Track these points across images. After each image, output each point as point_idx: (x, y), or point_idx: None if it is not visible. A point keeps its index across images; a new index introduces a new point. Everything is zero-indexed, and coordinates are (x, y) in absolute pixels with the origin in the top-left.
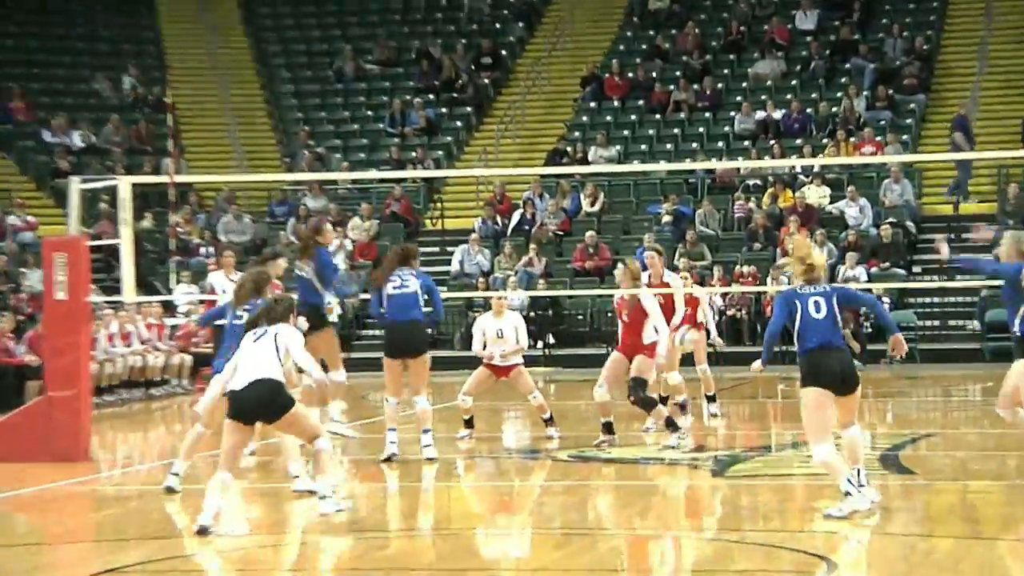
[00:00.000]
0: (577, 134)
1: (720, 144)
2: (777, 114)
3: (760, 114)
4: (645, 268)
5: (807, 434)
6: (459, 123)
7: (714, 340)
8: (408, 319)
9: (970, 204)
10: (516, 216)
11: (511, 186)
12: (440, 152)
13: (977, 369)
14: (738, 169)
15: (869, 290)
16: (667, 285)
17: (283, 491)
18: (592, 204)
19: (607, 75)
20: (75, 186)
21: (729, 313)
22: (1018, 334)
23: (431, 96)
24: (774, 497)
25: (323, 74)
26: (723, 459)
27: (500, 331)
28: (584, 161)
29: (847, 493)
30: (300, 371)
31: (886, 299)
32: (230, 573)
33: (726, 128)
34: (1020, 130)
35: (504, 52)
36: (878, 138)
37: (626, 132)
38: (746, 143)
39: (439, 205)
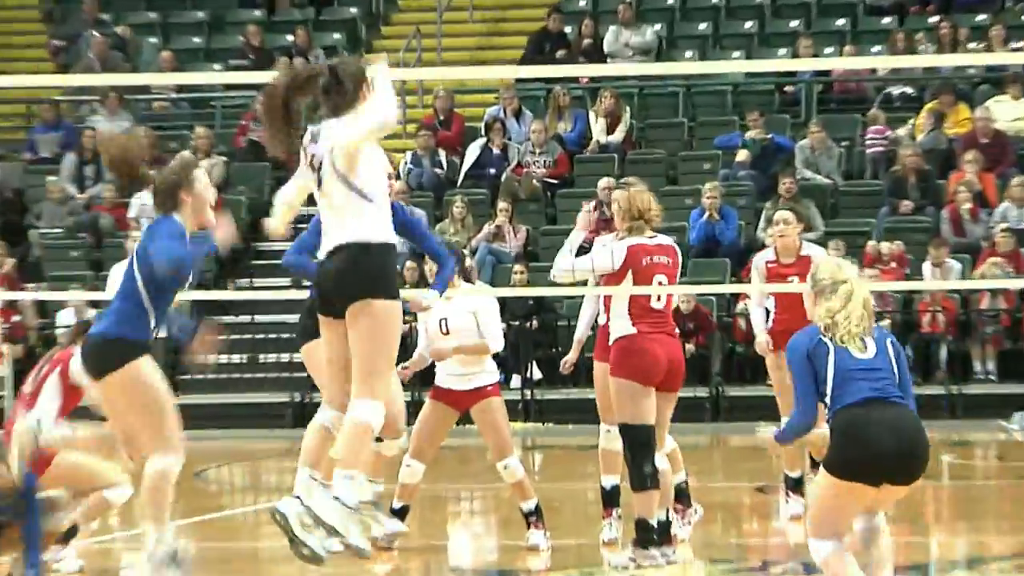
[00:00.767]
0: (584, 3)
1: (840, 23)
2: None
3: None
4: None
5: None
6: None
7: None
8: None
9: None
10: (474, 150)
11: (465, 98)
12: (337, 35)
13: None
14: (873, 70)
15: None
16: (808, 264)
17: None
18: (611, 130)
19: None
20: None
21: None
22: None
23: None
24: None
25: None
26: None
27: (444, 321)
28: (598, 54)
29: None
30: None
31: None
32: None
33: None
34: None
35: None
36: None
37: (671, 1)
38: (886, 20)
39: None
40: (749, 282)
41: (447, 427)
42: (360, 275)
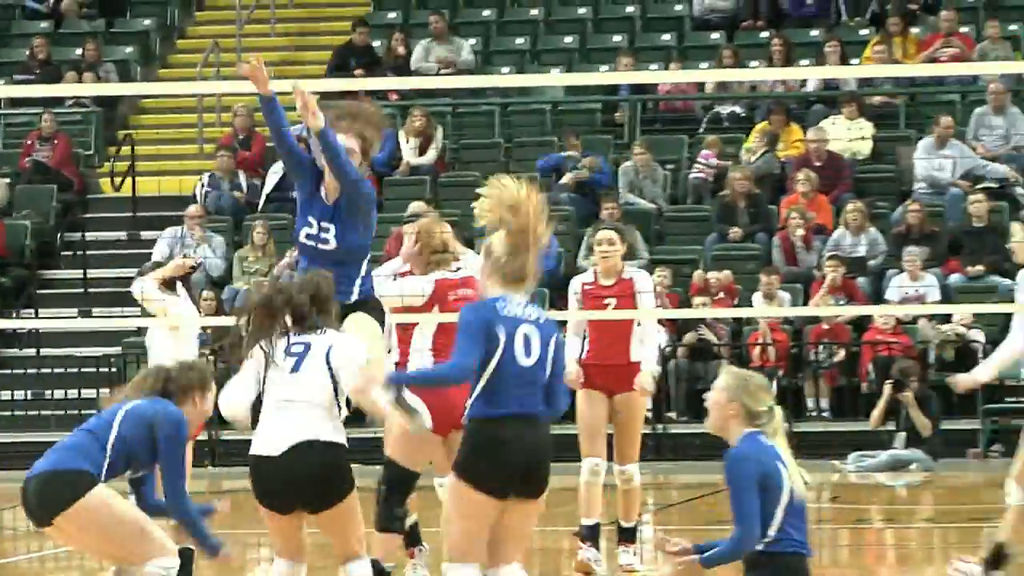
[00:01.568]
0: (393, 16)
1: (666, 38)
2: None
3: None
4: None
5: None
6: None
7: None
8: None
9: None
10: (276, 172)
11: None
12: (130, 49)
13: None
14: (700, 86)
15: (948, 318)
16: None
17: None
18: (422, 151)
19: None
20: None
21: (677, 360)
22: None
23: None
24: None
25: None
26: None
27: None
28: (407, 67)
29: None
30: None
31: (979, 332)
32: None
33: (678, 7)
34: None
35: None
36: (964, 29)
37: (487, 13)
38: (715, 36)
39: (128, 151)
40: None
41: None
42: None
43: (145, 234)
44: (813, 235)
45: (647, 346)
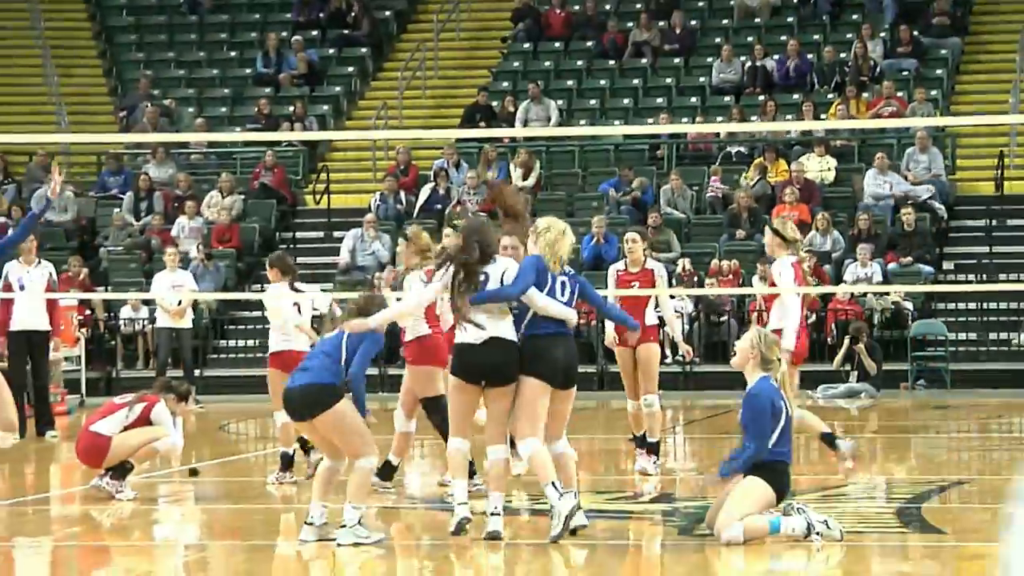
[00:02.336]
0: (505, 85)
1: (693, 100)
2: (768, 61)
3: (746, 61)
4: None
5: (521, 426)
6: (351, 69)
7: (682, 352)
8: None
9: (1017, 182)
10: (425, 191)
11: (419, 152)
12: (326, 107)
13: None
14: (716, 133)
15: (887, 293)
16: (650, 274)
17: None
18: (525, 177)
19: (546, 8)
20: None
21: (701, 320)
22: None
23: (314, 32)
24: (760, 561)
25: (171, 1)
26: (693, 512)
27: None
28: (514, 121)
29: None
30: None
31: (908, 303)
32: None
33: (701, 79)
34: None
35: None
36: (900, 94)
37: (570, 83)
38: (727, 99)
39: (324, 177)
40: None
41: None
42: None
43: (336, 233)
44: None
45: (669, 319)
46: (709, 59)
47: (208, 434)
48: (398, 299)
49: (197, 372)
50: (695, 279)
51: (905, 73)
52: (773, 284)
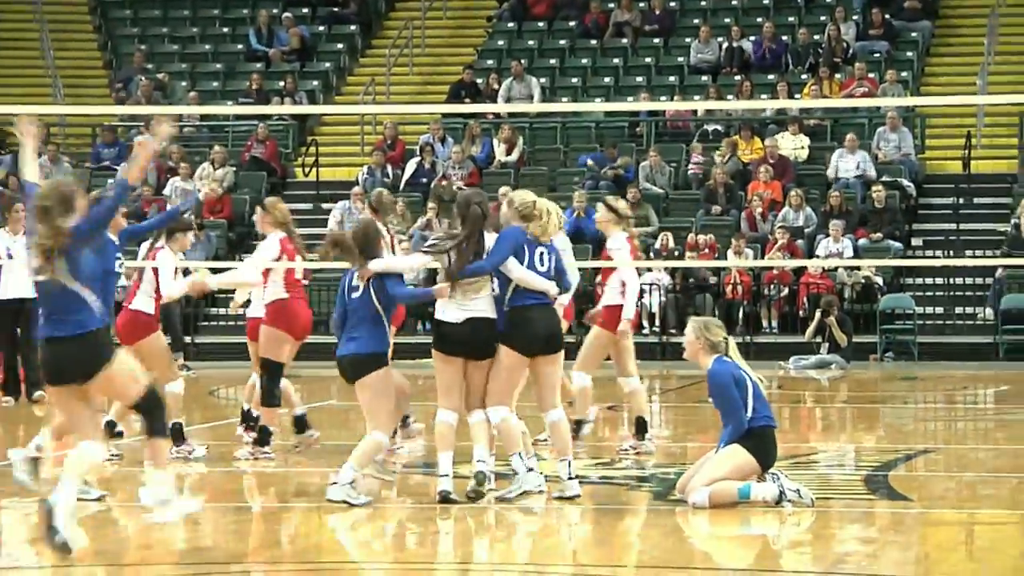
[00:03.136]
0: (490, 63)
1: (672, 79)
2: (745, 43)
3: (723, 42)
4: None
5: (493, 393)
6: (340, 45)
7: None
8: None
9: (984, 161)
10: (411, 166)
11: (406, 128)
12: (316, 83)
13: (989, 368)
14: (694, 112)
15: (857, 268)
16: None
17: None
18: (508, 152)
19: None
20: None
21: (677, 291)
22: None
23: (305, 10)
24: (732, 526)
25: None
26: (668, 478)
27: None
28: (498, 98)
29: (515, 472)
30: None
31: (878, 278)
32: None
33: (680, 59)
34: None
35: None
36: (871, 75)
37: (552, 62)
38: (704, 79)
39: (313, 150)
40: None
41: None
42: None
43: (325, 205)
44: (768, 211)
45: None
46: (687, 40)
47: (199, 399)
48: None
49: (188, 339)
50: (675, 253)
51: (877, 55)
52: (608, 258)
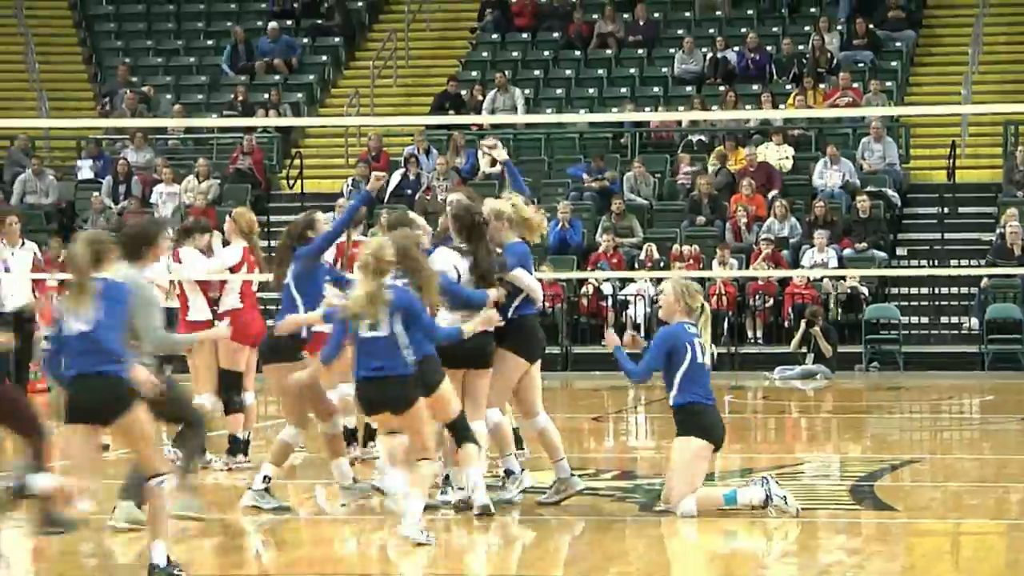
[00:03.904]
0: (474, 74)
1: (656, 90)
2: (729, 53)
3: (707, 52)
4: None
5: (493, 398)
6: (324, 57)
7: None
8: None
9: (968, 171)
10: (396, 177)
11: (390, 139)
12: (299, 95)
13: (974, 378)
14: (678, 122)
15: (842, 278)
16: None
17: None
18: (492, 164)
19: None
20: None
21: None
22: None
23: (288, 22)
24: (717, 537)
25: None
26: (653, 489)
27: None
28: (482, 109)
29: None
30: None
31: (863, 288)
32: None
33: (664, 70)
34: None
35: None
36: (855, 85)
37: (536, 72)
38: (689, 89)
39: (297, 162)
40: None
41: None
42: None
43: None
44: (752, 222)
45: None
46: (672, 50)
47: None
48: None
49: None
50: (660, 264)
51: (861, 65)
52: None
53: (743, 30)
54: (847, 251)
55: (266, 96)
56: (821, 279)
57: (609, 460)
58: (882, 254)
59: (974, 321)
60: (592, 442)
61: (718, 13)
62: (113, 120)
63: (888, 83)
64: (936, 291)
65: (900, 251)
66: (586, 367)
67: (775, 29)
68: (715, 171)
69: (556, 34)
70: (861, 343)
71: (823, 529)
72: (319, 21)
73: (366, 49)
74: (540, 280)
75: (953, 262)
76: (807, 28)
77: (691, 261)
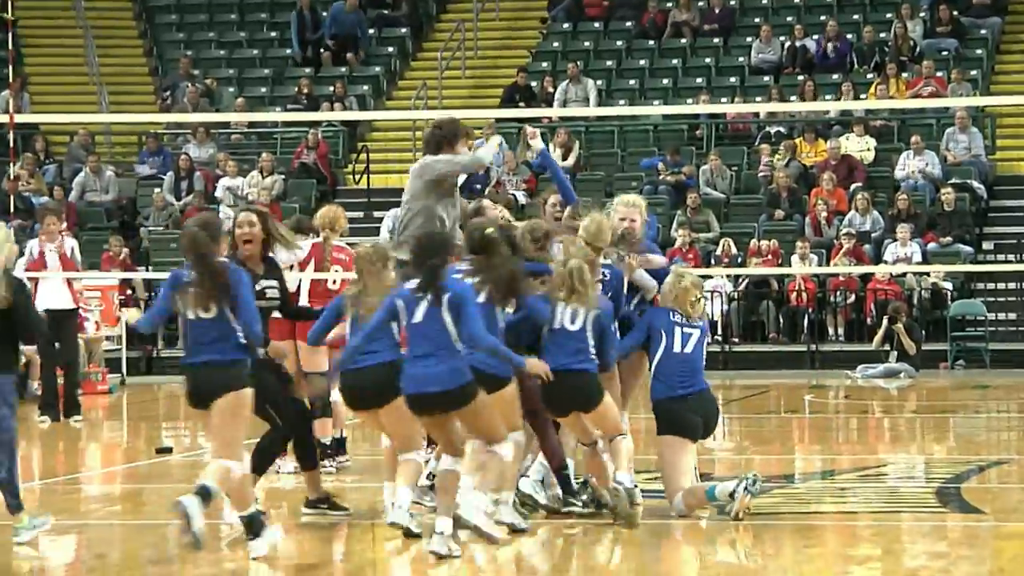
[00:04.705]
0: (545, 65)
1: (732, 80)
2: (808, 42)
3: (785, 41)
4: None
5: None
6: (391, 49)
7: None
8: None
9: None
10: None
11: None
12: (365, 87)
13: None
14: (756, 114)
15: (926, 273)
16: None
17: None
18: (564, 157)
19: None
20: None
21: (740, 299)
22: None
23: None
24: (798, 541)
25: None
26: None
27: None
28: (553, 101)
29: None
30: None
31: (948, 283)
32: None
33: (740, 59)
34: None
35: None
36: (939, 74)
37: (609, 63)
38: (766, 79)
39: (363, 157)
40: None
41: None
42: None
43: (376, 213)
44: (833, 216)
45: None
46: (748, 39)
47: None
48: None
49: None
50: (737, 259)
51: (945, 53)
52: None
53: (822, 18)
54: (931, 245)
55: (331, 89)
56: (904, 275)
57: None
58: (967, 248)
59: None
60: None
61: (796, 0)
62: (175, 115)
63: (973, 71)
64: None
65: (986, 245)
66: None
67: (855, 16)
68: (785, 163)
69: (629, 23)
70: (946, 340)
71: (907, 533)
72: (385, 11)
73: (434, 40)
74: None
75: None
76: (889, 15)
77: (769, 256)
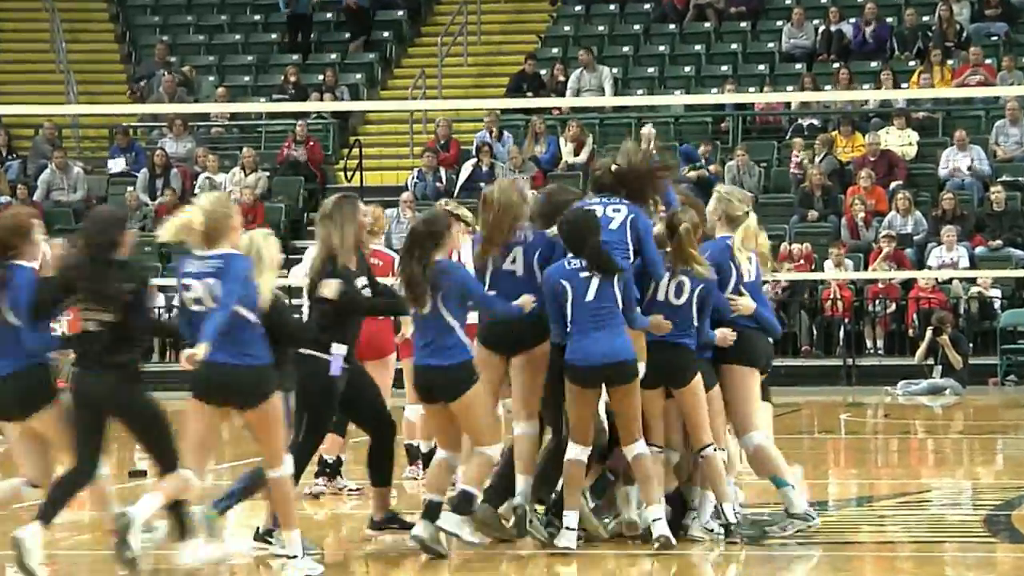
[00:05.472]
0: (555, 51)
1: (761, 68)
2: (844, 26)
3: (819, 25)
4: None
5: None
6: (386, 33)
7: None
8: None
9: None
10: (467, 168)
11: (460, 125)
12: (358, 76)
13: None
14: (787, 105)
15: (974, 280)
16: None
17: None
18: (576, 152)
19: None
20: None
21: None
22: None
23: None
24: (833, 573)
25: None
26: (759, 520)
27: None
28: (564, 91)
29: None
30: None
31: (997, 291)
32: None
33: (770, 45)
34: None
35: None
36: (988, 61)
37: (625, 49)
38: (799, 67)
39: (356, 152)
40: None
41: None
42: None
43: None
44: (871, 217)
45: None
46: (779, 23)
47: (231, 429)
48: None
49: None
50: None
51: (994, 38)
52: None
53: (860, 0)
54: (979, 249)
55: (321, 78)
56: (950, 281)
57: None
58: (1019, 252)
59: None
60: None
61: None
62: (149, 106)
63: None
64: None
65: None
66: None
67: None
68: (821, 159)
69: (648, 5)
70: (995, 354)
71: (952, 565)
72: None
73: (433, 24)
74: None
75: None
76: None
77: (801, 261)
